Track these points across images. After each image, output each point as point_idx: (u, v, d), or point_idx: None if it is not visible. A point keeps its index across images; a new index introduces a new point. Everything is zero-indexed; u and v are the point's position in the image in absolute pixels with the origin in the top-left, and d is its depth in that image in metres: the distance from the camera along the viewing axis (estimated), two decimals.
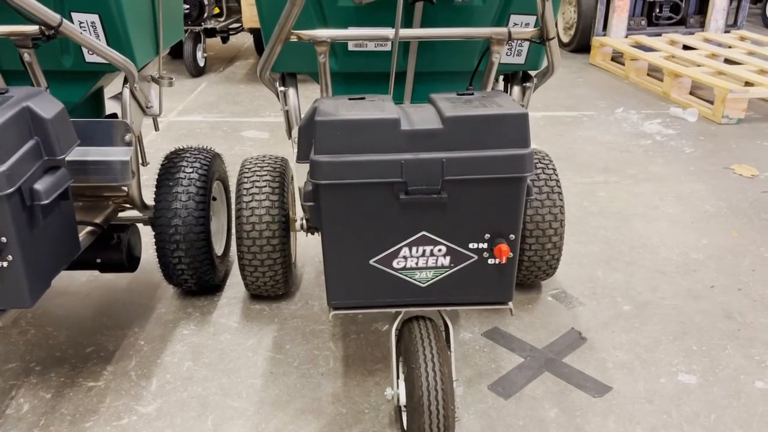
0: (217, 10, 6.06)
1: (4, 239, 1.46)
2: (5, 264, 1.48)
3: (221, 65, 6.27)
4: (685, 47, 5.82)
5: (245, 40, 7.40)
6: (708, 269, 2.63)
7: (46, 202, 1.54)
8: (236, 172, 3.36)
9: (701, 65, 5.08)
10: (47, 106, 1.59)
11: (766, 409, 1.89)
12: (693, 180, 3.52)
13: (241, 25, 6.07)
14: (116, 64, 1.87)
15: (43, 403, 1.91)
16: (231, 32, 6.27)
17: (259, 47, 6.63)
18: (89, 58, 1.94)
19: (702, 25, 6.32)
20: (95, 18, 1.84)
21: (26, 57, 1.79)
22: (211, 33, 5.97)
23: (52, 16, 1.63)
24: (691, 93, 5.01)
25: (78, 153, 1.94)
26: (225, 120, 4.57)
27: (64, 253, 1.74)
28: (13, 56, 1.87)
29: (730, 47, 5.71)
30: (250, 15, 5.52)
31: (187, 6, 5.57)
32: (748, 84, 4.65)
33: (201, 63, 5.83)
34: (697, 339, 2.20)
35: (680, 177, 3.56)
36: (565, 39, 6.76)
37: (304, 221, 2.26)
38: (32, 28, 1.69)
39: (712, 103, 4.59)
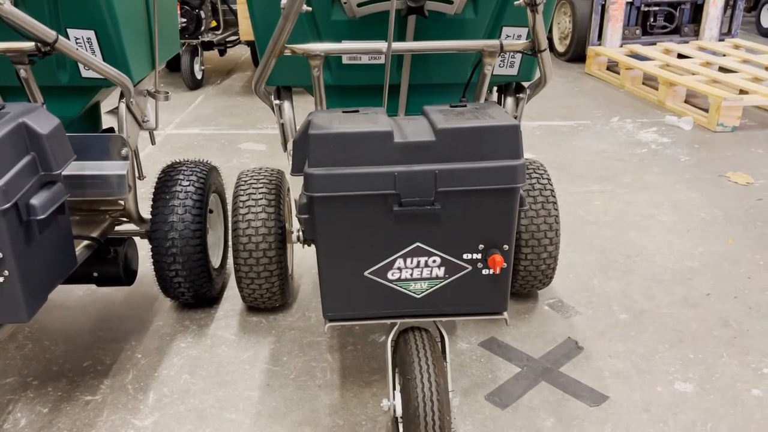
0: (214, 23, 6.10)
1: (0, 254, 1.46)
2: (1, 279, 1.49)
3: (219, 78, 6.30)
4: (680, 56, 5.86)
5: (242, 52, 7.44)
6: (704, 277, 2.64)
7: (43, 217, 1.55)
8: (234, 184, 3.38)
9: (696, 74, 5.12)
10: (43, 121, 1.60)
11: (762, 416, 1.90)
12: (688, 188, 3.54)
13: (238, 38, 6.11)
14: (112, 80, 1.88)
15: (40, 418, 1.91)
16: (228, 45, 6.31)
17: (256, 60, 6.66)
18: (85, 73, 1.96)
19: (696, 34, 6.37)
20: (91, 34, 1.86)
21: (22, 73, 1.80)
22: (208, 46, 6.01)
23: (48, 33, 1.65)
24: (686, 101, 5.04)
25: (74, 167, 1.96)
26: (222, 132, 4.59)
27: (61, 268, 1.75)
28: (9, 72, 1.89)
29: (724, 55, 5.75)
30: (246, 28, 5.56)
31: (185, 19, 5.61)
32: (742, 92, 4.68)
33: (198, 76, 5.86)
34: (694, 347, 2.21)
35: (675, 185, 3.58)
36: (561, 49, 6.80)
37: (301, 233, 2.27)
38: (28, 45, 1.70)
39: (707, 111, 4.61)
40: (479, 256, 1.50)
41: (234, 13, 6.17)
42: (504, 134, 1.42)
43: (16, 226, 1.49)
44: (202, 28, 5.75)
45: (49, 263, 1.66)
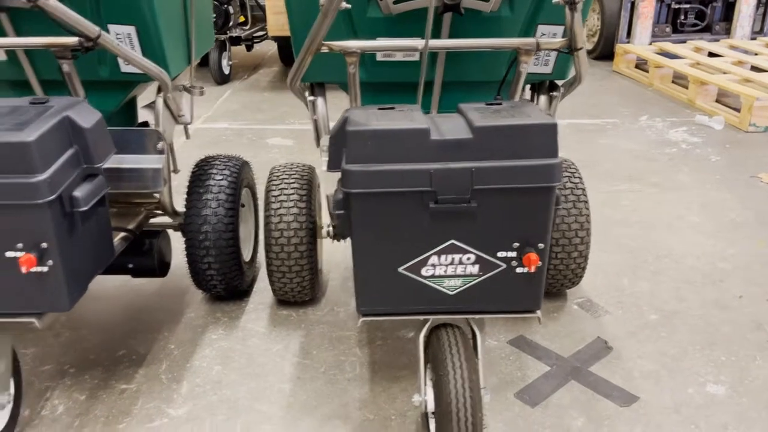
0: (242, 19, 6.14)
1: (45, 245, 1.50)
2: (46, 269, 1.53)
3: (246, 73, 6.35)
4: (711, 54, 5.77)
5: (269, 48, 7.49)
6: (735, 279, 2.61)
7: (85, 208, 1.58)
8: (262, 179, 3.41)
9: (727, 72, 5.04)
10: (86, 115, 1.64)
11: None
12: (719, 189, 3.49)
13: (266, 33, 6.15)
14: (151, 74, 1.91)
15: (77, 405, 1.95)
16: (255, 40, 6.35)
17: (283, 55, 6.70)
18: (125, 68, 2.00)
19: (728, 32, 6.26)
20: (131, 30, 1.89)
21: (65, 67, 1.84)
22: (236, 41, 6.06)
23: (92, 29, 1.68)
24: (717, 100, 4.97)
25: (113, 161, 1.99)
26: (250, 127, 4.63)
27: (100, 258, 1.79)
28: (51, 66, 1.93)
29: (756, 54, 5.65)
30: (274, 23, 5.59)
31: (213, 15, 5.66)
32: None
33: (226, 71, 5.91)
34: (726, 349, 2.19)
35: (706, 185, 3.53)
36: (589, 46, 6.73)
37: (331, 228, 2.29)
38: (72, 40, 1.74)
39: (738, 110, 4.55)
40: (514, 254, 1.50)
41: (262, 8, 6.21)
42: (541, 133, 1.42)
43: (60, 218, 1.53)
44: (231, 24, 5.80)
45: (90, 254, 1.70)
